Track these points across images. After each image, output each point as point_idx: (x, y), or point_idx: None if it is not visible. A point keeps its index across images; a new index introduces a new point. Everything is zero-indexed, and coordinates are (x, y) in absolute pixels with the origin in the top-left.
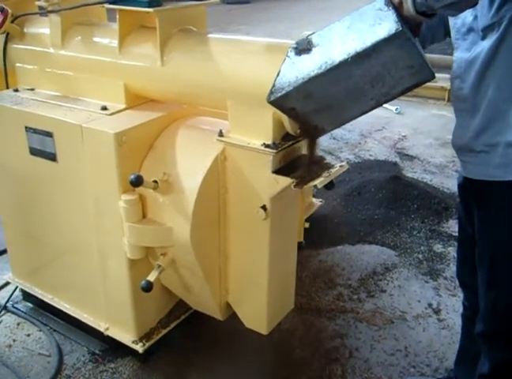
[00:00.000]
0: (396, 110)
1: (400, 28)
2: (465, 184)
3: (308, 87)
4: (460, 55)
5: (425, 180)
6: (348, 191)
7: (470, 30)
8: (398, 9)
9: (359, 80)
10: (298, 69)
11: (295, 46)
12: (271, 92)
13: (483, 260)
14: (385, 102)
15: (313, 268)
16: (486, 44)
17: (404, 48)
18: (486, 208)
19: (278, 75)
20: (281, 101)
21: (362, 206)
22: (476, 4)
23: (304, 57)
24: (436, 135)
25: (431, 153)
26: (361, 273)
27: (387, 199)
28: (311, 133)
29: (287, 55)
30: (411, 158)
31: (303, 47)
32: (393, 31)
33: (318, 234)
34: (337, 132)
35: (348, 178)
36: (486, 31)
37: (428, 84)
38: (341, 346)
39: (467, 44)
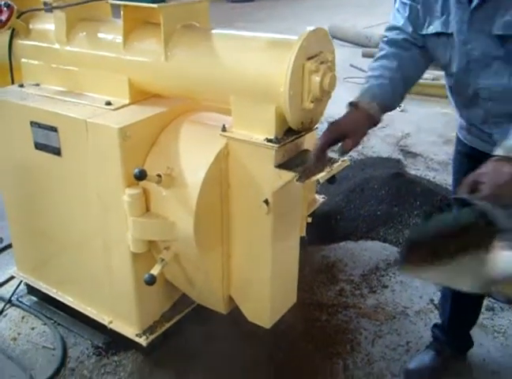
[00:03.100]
0: (399, 107)
1: None
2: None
3: None
4: (489, 82)
5: (428, 177)
6: (350, 187)
7: (495, 58)
8: None
9: None
10: None
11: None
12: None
13: None
14: None
15: (315, 264)
16: None
17: None
18: None
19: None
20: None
21: (364, 202)
22: None
23: None
24: (439, 132)
25: (434, 150)
26: (363, 269)
27: (390, 195)
28: None
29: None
30: (414, 155)
31: None
32: None
33: (321, 230)
34: None
35: (351, 174)
36: None
37: (432, 82)
38: (343, 340)
39: (493, 71)
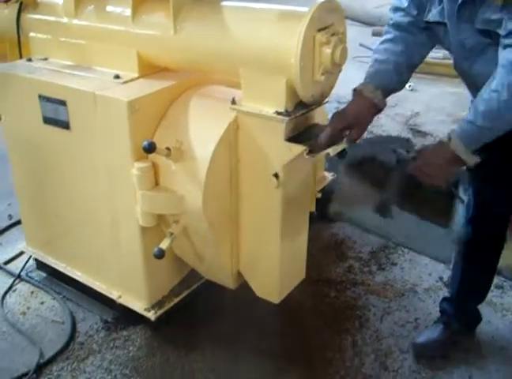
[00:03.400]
0: (409, 87)
1: None
2: None
3: None
4: (484, 68)
5: None
6: None
7: (489, 45)
8: None
9: None
10: None
11: None
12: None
13: None
14: None
15: (324, 241)
16: None
17: None
18: None
19: None
20: None
21: None
22: None
23: None
24: (449, 112)
25: (443, 130)
26: (372, 247)
27: None
28: None
29: None
30: (423, 134)
31: None
32: None
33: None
34: None
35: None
36: None
37: (442, 61)
38: (352, 317)
39: (488, 58)
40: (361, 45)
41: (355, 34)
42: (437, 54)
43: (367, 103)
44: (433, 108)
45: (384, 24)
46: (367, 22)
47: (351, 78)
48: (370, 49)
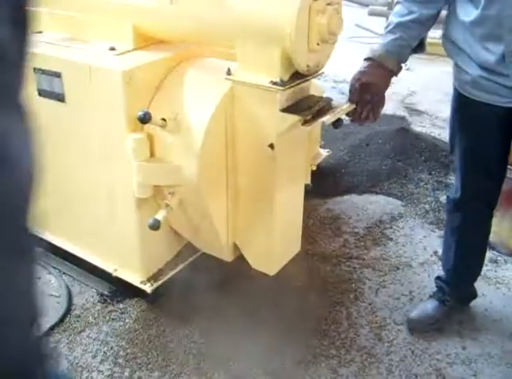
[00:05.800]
0: (405, 66)
1: None
2: None
3: None
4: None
5: (433, 134)
6: (355, 142)
7: None
8: None
9: None
10: None
11: None
12: None
13: None
14: None
15: (320, 217)
16: None
17: None
18: None
19: None
20: None
21: (369, 157)
22: None
23: None
24: (445, 91)
25: (439, 108)
26: (367, 222)
27: (394, 151)
28: None
29: None
30: (419, 113)
31: None
32: None
33: (325, 183)
34: (346, 87)
35: (356, 130)
36: None
37: (439, 41)
38: (346, 290)
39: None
40: (357, 25)
41: (351, 15)
42: (434, 34)
43: (387, 73)
44: (429, 87)
45: (380, 3)
46: (363, 3)
47: (347, 59)
48: (367, 29)
